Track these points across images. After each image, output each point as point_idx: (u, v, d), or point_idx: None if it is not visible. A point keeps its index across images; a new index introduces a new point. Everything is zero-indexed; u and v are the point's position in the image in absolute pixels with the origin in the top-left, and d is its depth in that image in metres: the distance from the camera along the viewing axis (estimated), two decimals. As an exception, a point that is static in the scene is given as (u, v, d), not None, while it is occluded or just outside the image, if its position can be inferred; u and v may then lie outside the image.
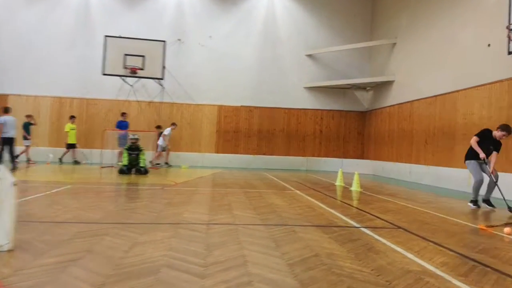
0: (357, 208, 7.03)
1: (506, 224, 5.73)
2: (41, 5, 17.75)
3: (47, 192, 7.40)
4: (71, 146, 16.20)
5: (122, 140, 15.51)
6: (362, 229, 5.11)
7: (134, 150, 12.44)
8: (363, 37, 18.90)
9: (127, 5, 18.19)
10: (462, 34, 11.94)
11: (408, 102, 15.05)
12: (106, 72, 15.52)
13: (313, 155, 19.05)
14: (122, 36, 16.27)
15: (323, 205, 7.14)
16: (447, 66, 12.64)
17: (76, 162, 16.26)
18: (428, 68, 13.80)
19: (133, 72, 15.48)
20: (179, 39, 18.25)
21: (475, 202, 7.51)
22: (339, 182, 11.51)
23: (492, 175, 7.27)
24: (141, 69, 15.49)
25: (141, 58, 15.44)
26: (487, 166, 7.42)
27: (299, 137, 19.00)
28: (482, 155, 7.34)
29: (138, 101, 17.99)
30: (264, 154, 18.71)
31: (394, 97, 16.30)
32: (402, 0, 16.09)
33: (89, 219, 5.09)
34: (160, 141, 16.34)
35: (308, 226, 5.19)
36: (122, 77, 16.41)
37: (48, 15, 17.72)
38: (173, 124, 17.02)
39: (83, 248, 3.73)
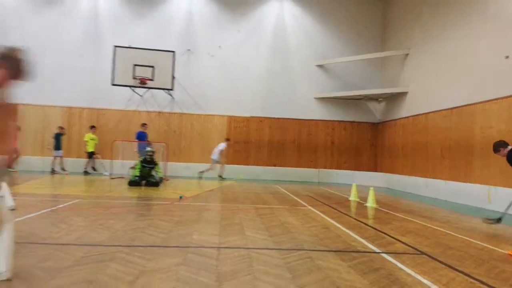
0: (375, 228, 6.69)
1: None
2: (51, 14, 17.77)
3: (53, 208, 7.19)
4: (90, 155, 16.37)
5: (142, 150, 15.37)
6: (383, 255, 4.78)
7: (149, 163, 12.27)
8: (374, 48, 18.62)
9: (136, 15, 18.15)
10: (479, 46, 11.61)
11: (422, 114, 14.68)
12: (115, 83, 15.41)
13: (325, 167, 18.70)
14: (132, 46, 16.20)
15: (339, 224, 6.81)
16: (463, 78, 12.28)
17: (86, 173, 16.23)
18: (443, 80, 13.45)
19: (142, 83, 15.35)
20: (188, 49, 18.13)
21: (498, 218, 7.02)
22: (353, 197, 11.15)
23: None
24: (151, 79, 15.36)
25: (150, 68, 15.31)
26: None
27: (310, 148, 18.68)
28: None
29: (147, 112, 17.86)
30: (274, 165, 18.42)
31: (407, 108, 15.94)
32: (415, 10, 15.82)
33: (94, 241, 4.84)
34: (215, 156, 16.46)
35: (325, 251, 4.88)
36: (132, 88, 16.29)
37: (58, 24, 17.72)
38: (227, 139, 17.28)
39: (85, 277, 3.47)
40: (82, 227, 5.62)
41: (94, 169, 16.66)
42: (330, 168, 18.65)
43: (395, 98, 17.17)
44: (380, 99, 18.75)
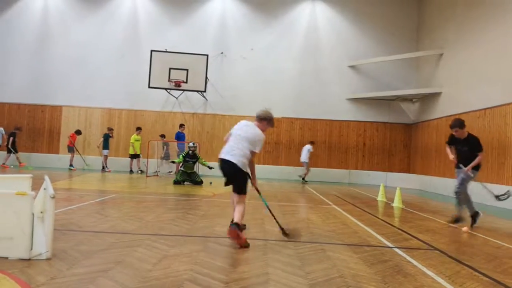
0: (394, 226, 6.82)
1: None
2: (93, 20, 18.82)
3: (91, 201, 7.78)
4: (134, 156, 16.97)
5: (180, 150, 16.08)
6: (395, 249, 4.95)
7: (192, 157, 12.84)
8: (409, 48, 18.39)
9: (173, 20, 18.87)
10: (513, 45, 11.34)
11: (456, 114, 14.41)
12: (152, 85, 16.15)
13: (356, 168, 18.68)
14: (168, 50, 16.92)
15: (359, 222, 6.99)
16: (497, 78, 12.02)
17: (142, 172, 16.90)
18: (477, 80, 13.20)
19: (177, 85, 16.00)
20: (221, 53, 18.65)
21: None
22: (380, 197, 11.20)
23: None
24: (185, 82, 15.96)
25: (184, 71, 15.92)
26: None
27: (341, 149, 18.72)
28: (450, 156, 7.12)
29: (182, 113, 18.54)
30: (305, 166, 18.58)
31: (441, 109, 15.69)
32: (449, 10, 15.55)
33: (125, 230, 5.31)
34: (304, 158, 16.61)
35: (338, 244, 5.11)
36: (167, 90, 17.00)
37: (99, 30, 18.74)
38: (312, 142, 17.18)
39: (115, 259, 3.90)
40: (116, 218, 6.12)
41: (141, 171, 17.02)
42: (361, 169, 18.61)
43: (429, 99, 16.92)
44: (414, 100, 18.51)
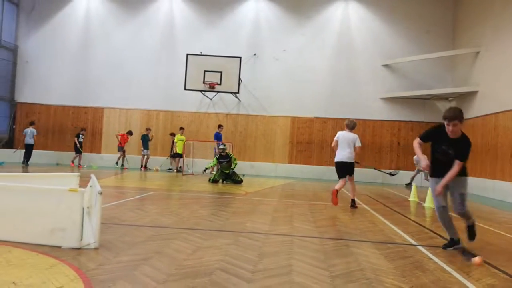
0: (421, 225, 6.93)
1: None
2: (131, 25, 19.72)
3: (132, 198, 8.34)
4: (177, 155, 17.63)
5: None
6: (419, 247, 5.13)
7: (224, 158, 13.33)
8: (443, 46, 18.07)
9: (208, 23, 19.44)
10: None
11: (492, 114, 14.14)
12: (188, 88, 16.77)
13: (390, 168, 18.53)
14: (203, 53, 17.51)
15: (386, 221, 7.15)
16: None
17: (178, 171, 17.40)
18: (513, 79, 12.90)
19: (211, 87, 16.53)
20: (254, 54, 19.03)
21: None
22: (412, 198, 11.21)
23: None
24: (219, 84, 16.46)
25: (218, 73, 16.41)
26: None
27: (375, 149, 18.66)
28: (423, 162, 5.06)
29: (216, 113, 19.09)
30: (337, 165, 18.65)
31: (477, 108, 15.38)
32: (486, 7, 15.20)
33: (163, 224, 5.76)
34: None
35: (363, 241, 5.33)
36: (202, 92, 17.57)
37: (137, 34, 19.62)
38: None
39: (155, 249, 4.32)
40: (154, 213, 6.60)
41: (178, 169, 17.48)
42: (395, 169, 18.45)
43: (465, 98, 16.60)
44: (450, 98, 18.17)
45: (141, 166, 17.89)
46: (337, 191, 8.35)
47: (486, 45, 15.13)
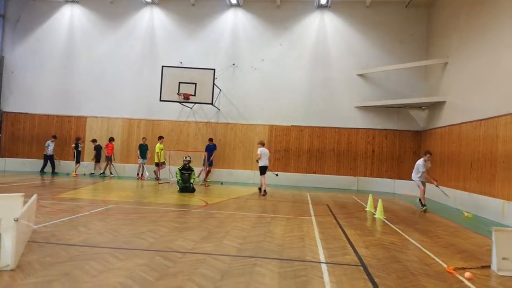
0: (349, 240, 7.32)
1: (482, 267, 5.72)
2: (114, 37, 20.26)
3: (87, 213, 8.77)
4: (159, 164, 17.95)
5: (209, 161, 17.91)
6: (322, 264, 5.54)
7: (187, 170, 13.87)
8: (417, 56, 18.48)
9: (188, 34, 19.93)
10: (508, 56, 11.34)
11: (457, 124, 14.50)
12: (163, 99, 17.23)
13: (365, 175, 18.96)
14: (183, 63, 18.13)
15: (318, 235, 7.54)
16: (491, 90, 12.10)
17: (157, 178, 17.82)
18: (475, 91, 13.27)
19: (186, 98, 16.96)
20: (233, 64, 19.48)
21: None
22: (369, 208, 11.60)
23: None
24: (193, 95, 16.90)
25: (193, 85, 16.86)
26: None
27: (350, 156, 19.06)
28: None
29: (196, 122, 19.56)
30: (314, 173, 19.08)
31: (445, 118, 15.77)
32: (453, 19, 15.58)
33: (94, 243, 6.18)
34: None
35: (275, 259, 5.72)
36: (178, 102, 18.04)
37: (119, 45, 20.16)
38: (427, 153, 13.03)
39: (65, 271, 4.75)
40: (94, 231, 7.00)
41: (157, 178, 17.88)
42: (370, 176, 18.87)
43: (435, 107, 16.98)
44: (423, 107, 18.55)
45: (137, 174, 18.47)
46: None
47: (453, 56, 15.50)
